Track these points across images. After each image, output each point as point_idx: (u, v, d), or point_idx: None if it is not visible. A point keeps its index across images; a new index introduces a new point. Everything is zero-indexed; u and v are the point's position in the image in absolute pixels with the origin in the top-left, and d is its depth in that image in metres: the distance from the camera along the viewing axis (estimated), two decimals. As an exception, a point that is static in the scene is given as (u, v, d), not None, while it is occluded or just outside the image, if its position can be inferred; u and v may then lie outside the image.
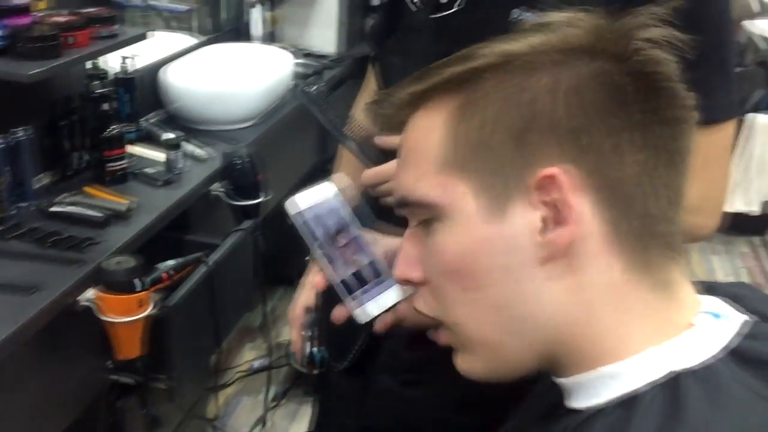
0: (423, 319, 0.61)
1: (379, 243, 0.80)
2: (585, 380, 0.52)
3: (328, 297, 0.84)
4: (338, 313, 0.80)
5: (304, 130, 2.41)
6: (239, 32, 2.46)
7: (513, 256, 0.51)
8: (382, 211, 0.95)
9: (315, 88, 1.07)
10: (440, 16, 0.94)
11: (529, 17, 0.86)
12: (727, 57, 0.84)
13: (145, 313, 1.26)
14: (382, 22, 1.09)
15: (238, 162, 1.67)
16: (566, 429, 0.51)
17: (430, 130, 0.54)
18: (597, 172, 0.49)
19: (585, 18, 0.52)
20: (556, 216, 0.49)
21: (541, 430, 0.55)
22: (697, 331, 0.50)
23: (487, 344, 0.54)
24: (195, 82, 1.93)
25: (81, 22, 1.39)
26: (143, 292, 1.25)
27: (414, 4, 0.96)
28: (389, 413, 0.96)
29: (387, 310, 0.77)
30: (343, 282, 0.77)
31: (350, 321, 0.81)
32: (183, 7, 2.32)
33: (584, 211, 0.49)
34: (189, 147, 1.77)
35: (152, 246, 1.47)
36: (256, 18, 2.32)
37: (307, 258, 1.22)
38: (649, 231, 0.50)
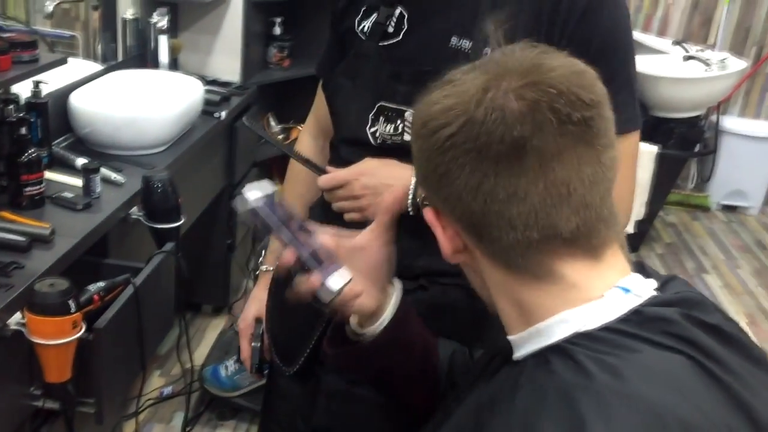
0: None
1: (318, 231, 0.87)
2: (521, 336, 0.68)
3: (282, 285, 0.90)
4: (305, 285, 0.83)
5: (213, 155, 2.44)
6: (143, 59, 2.46)
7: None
8: (335, 214, 1.03)
9: (248, 118, 1.17)
10: (387, 44, 1.04)
11: (465, 44, 0.98)
12: (632, 75, 1.00)
13: (78, 335, 1.26)
14: (331, 51, 1.19)
15: (159, 186, 1.69)
16: (509, 373, 0.68)
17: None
18: (452, 210, 0.67)
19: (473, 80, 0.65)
20: None
21: (492, 371, 0.73)
22: (604, 301, 0.64)
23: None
24: (108, 108, 1.93)
25: (3, 47, 1.38)
26: (77, 314, 1.26)
27: (364, 34, 1.06)
28: (339, 413, 1.03)
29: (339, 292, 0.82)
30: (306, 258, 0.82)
31: (298, 324, 0.88)
32: (67, 33, 2.30)
33: (460, 234, 0.68)
34: (105, 171, 1.77)
35: (72, 270, 1.46)
36: (164, 45, 2.33)
37: (257, 272, 1.28)
38: (504, 250, 0.65)
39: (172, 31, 2.59)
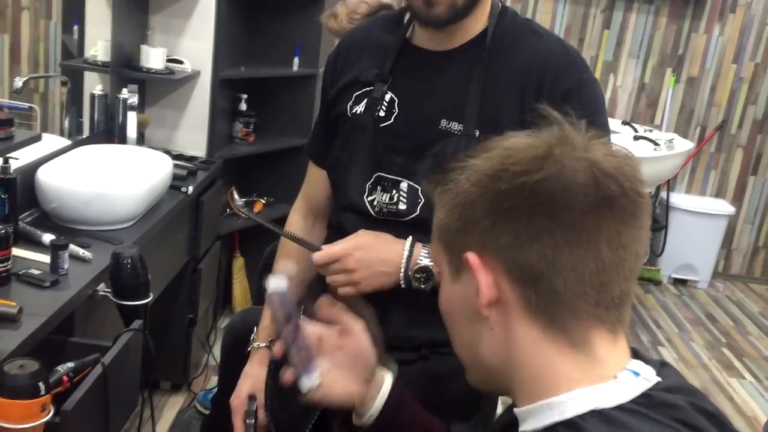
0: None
1: (309, 329, 0.91)
2: (529, 409, 0.68)
3: (277, 370, 0.94)
4: (286, 378, 0.89)
5: (179, 230, 2.43)
6: (110, 134, 2.47)
7: (467, 309, 0.70)
8: (329, 288, 1.07)
9: (244, 202, 1.24)
10: (381, 126, 1.11)
11: (455, 126, 1.07)
12: (606, 124, 1.15)
13: (47, 418, 1.23)
14: (321, 134, 1.26)
15: (128, 262, 1.68)
16: None
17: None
18: (505, 258, 0.67)
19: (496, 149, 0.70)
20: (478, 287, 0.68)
21: None
22: (618, 383, 0.66)
23: (471, 367, 0.74)
24: (76, 183, 1.93)
25: (-20, 125, 1.39)
26: (46, 396, 1.23)
27: (357, 115, 1.13)
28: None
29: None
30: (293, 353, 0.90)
31: (299, 403, 0.90)
32: (26, 104, 2.31)
33: (500, 285, 0.67)
34: (72, 247, 1.75)
35: (38, 350, 1.43)
36: (132, 121, 2.35)
37: (248, 348, 1.28)
38: (558, 304, 0.66)
39: (140, 106, 2.61)
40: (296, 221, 1.38)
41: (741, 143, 4.35)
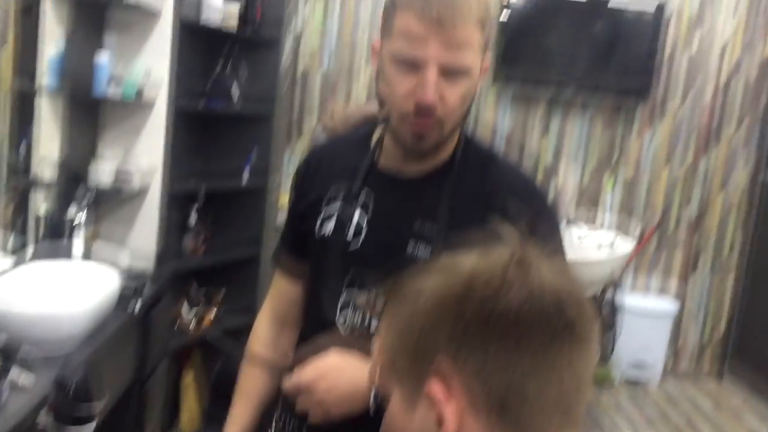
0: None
1: None
2: None
3: None
4: None
5: (125, 348, 2.36)
6: (56, 251, 2.43)
7: None
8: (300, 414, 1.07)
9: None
10: (349, 251, 1.14)
11: (422, 248, 1.09)
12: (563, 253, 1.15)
13: None
14: (289, 244, 1.29)
15: (72, 387, 1.62)
16: None
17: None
18: (470, 387, 0.64)
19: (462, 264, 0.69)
20: (440, 418, 0.65)
21: None
22: None
23: None
24: (18, 304, 1.87)
25: None
26: None
27: (325, 237, 1.15)
28: None
29: None
30: None
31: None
32: None
33: (463, 415, 0.64)
34: (13, 372, 1.68)
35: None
36: (78, 237, 2.33)
37: None
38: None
39: (87, 221, 2.59)
40: (261, 333, 1.36)
41: (679, 242, 4.51)
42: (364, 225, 1.15)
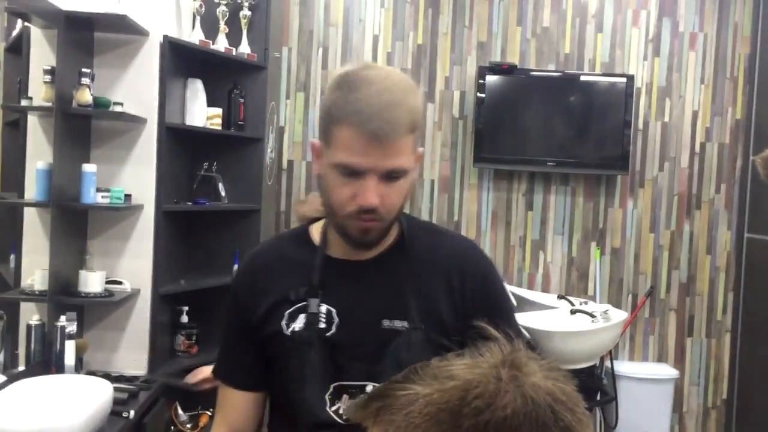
0: None
1: None
2: None
3: None
4: None
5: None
6: (47, 364, 2.41)
7: None
8: None
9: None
10: (324, 337, 1.16)
11: (398, 323, 1.14)
12: (512, 307, 1.34)
13: None
14: (243, 352, 1.28)
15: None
16: None
17: None
18: None
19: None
20: None
21: None
22: None
23: None
24: (11, 423, 1.85)
25: None
26: None
27: (298, 332, 1.18)
28: None
29: None
30: None
31: None
32: None
33: None
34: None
35: None
36: (70, 349, 2.31)
37: None
38: None
39: (78, 330, 2.58)
40: None
41: (672, 307, 4.52)
42: (335, 312, 1.18)
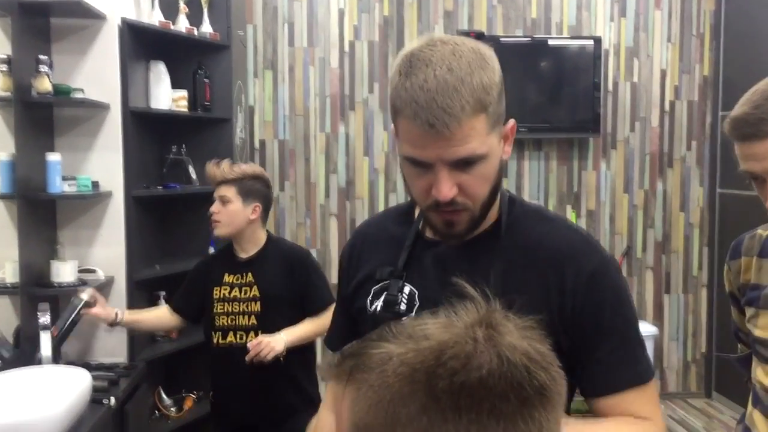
0: None
1: None
2: None
3: None
4: None
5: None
6: (24, 358, 2.40)
7: None
8: None
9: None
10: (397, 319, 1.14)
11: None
12: (637, 331, 1.13)
13: None
14: (342, 328, 1.29)
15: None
16: None
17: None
18: None
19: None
20: None
21: None
22: None
23: None
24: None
25: None
26: None
27: (377, 314, 1.15)
28: None
29: None
30: None
31: None
32: None
33: None
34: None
35: None
36: (45, 341, 2.30)
37: None
38: None
39: (53, 321, 2.56)
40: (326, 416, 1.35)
41: (649, 265, 4.57)
42: (417, 294, 1.14)
